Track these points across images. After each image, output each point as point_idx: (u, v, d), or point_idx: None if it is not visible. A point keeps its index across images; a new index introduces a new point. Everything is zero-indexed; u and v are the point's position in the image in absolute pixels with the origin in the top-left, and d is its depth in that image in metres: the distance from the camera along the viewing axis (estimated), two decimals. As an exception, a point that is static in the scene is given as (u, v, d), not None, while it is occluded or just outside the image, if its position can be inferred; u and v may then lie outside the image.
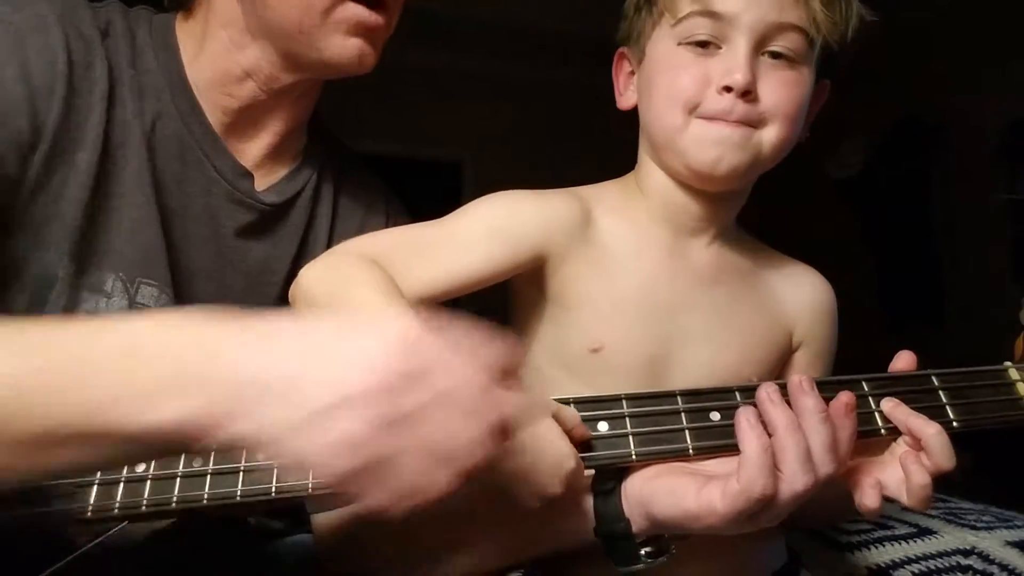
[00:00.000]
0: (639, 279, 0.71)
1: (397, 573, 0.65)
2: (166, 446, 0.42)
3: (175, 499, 0.54)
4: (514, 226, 0.69)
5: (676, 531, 0.58)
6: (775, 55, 0.67)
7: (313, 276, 0.65)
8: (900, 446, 0.61)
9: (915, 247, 3.15)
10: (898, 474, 0.58)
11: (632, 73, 0.76)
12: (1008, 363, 0.65)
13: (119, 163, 0.67)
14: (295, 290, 0.66)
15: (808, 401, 0.55)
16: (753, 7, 0.65)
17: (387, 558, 0.64)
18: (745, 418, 0.55)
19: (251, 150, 0.76)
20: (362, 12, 0.68)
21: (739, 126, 0.66)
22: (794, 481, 0.53)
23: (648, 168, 0.74)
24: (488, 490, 0.54)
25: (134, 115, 0.68)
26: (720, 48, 0.67)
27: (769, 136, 0.67)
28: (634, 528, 0.58)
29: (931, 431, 0.57)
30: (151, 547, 0.56)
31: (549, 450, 0.54)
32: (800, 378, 0.57)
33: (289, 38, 0.70)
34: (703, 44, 0.67)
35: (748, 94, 0.65)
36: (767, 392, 0.56)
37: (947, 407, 0.61)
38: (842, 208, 3.42)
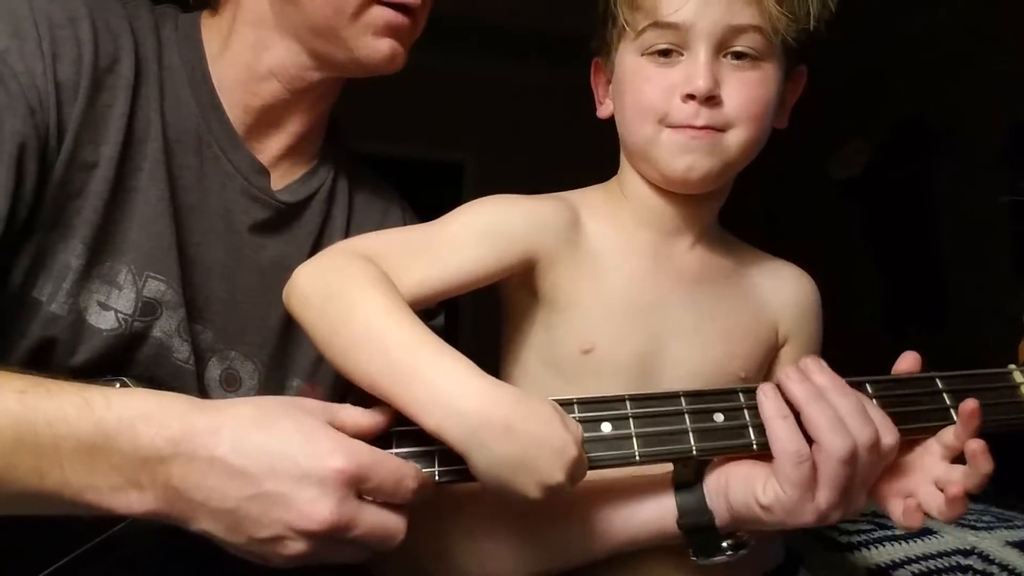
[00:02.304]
0: (626, 280, 0.72)
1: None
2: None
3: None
4: (504, 229, 0.70)
5: (751, 524, 0.60)
6: (737, 55, 0.68)
7: (307, 274, 0.65)
8: (930, 453, 0.62)
9: (918, 248, 3.15)
10: (934, 492, 0.60)
11: (608, 82, 0.77)
12: (1012, 366, 0.66)
13: (139, 157, 0.68)
14: (289, 290, 0.65)
15: (821, 378, 0.58)
16: (706, 13, 0.66)
17: (416, 559, 0.64)
18: (761, 392, 0.58)
19: (269, 149, 0.76)
20: (391, 14, 0.69)
21: (707, 132, 0.67)
22: (832, 447, 0.55)
23: (628, 174, 0.76)
24: (491, 482, 0.54)
25: (155, 110, 0.69)
26: (682, 55, 0.68)
27: (736, 139, 0.69)
28: (717, 521, 0.60)
29: (985, 471, 0.58)
30: (153, 546, 0.56)
31: (550, 437, 0.54)
32: (809, 360, 0.59)
33: (319, 38, 0.71)
34: (665, 53, 0.68)
35: (712, 99, 0.67)
36: (785, 373, 0.58)
37: (951, 410, 0.61)
38: (845, 209, 3.42)
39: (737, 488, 0.59)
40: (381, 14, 0.69)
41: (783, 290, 0.79)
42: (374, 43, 0.70)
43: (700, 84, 0.66)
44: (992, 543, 0.96)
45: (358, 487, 0.50)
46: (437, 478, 0.56)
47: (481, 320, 0.77)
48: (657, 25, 0.67)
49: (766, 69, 0.69)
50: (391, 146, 3.02)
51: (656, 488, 0.62)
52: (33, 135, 0.60)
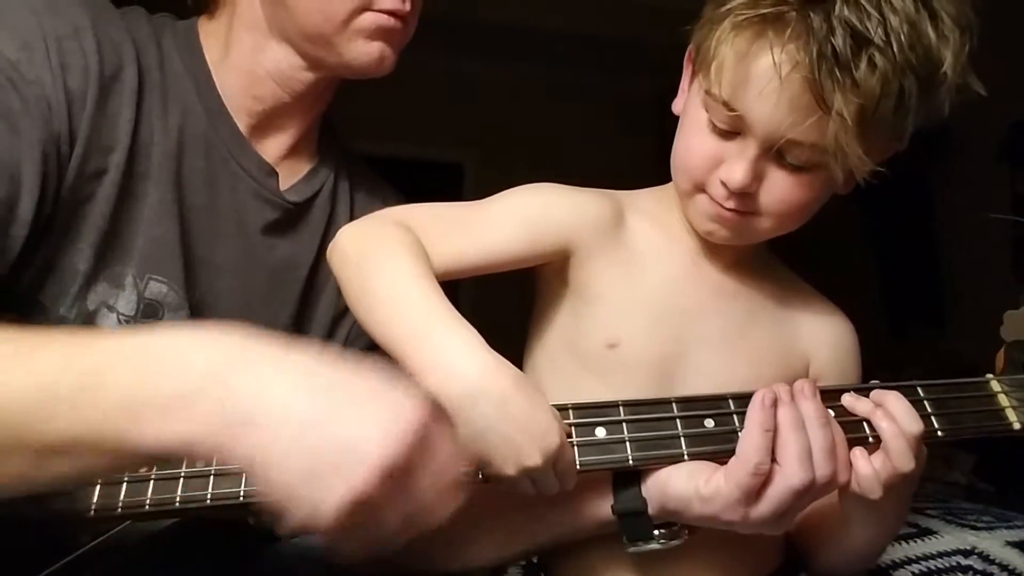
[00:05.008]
0: (661, 281, 0.73)
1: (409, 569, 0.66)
2: (172, 458, 0.45)
3: (178, 499, 0.55)
4: (544, 216, 0.71)
5: (686, 518, 0.61)
6: (786, 160, 0.65)
7: (350, 235, 0.69)
8: None
9: (917, 247, 3.15)
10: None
11: (694, 76, 0.72)
12: (990, 375, 0.67)
13: (145, 163, 0.69)
14: (332, 247, 0.69)
15: (809, 406, 0.59)
16: (773, 120, 0.62)
17: (401, 561, 0.65)
18: (760, 399, 0.59)
19: (272, 150, 0.77)
20: (382, 18, 0.71)
21: (734, 214, 0.67)
22: (791, 476, 0.57)
23: None
24: (472, 450, 0.56)
25: (159, 116, 0.70)
26: (737, 135, 0.65)
27: (763, 225, 0.68)
28: (650, 510, 0.61)
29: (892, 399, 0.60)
30: (153, 547, 0.56)
31: (537, 420, 0.56)
32: (803, 383, 0.60)
33: (311, 42, 0.72)
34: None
35: (746, 193, 0.65)
36: (782, 391, 0.60)
37: (932, 417, 0.62)
38: (844, 208, 3.42)
39: (680, 478, 0.60)
40: (372, 19, 0.70)
41: (820, 329, 0.77)
42: (364, 47, 0.71)
43: (736, 180, 0.64)
44: (992, 543, 0.96)
45: (423, 437, 0.44)
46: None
47: (479, 316, 0.77)
48: (725, 104, 0.63)
49: (814, 175, 0.65)
50: (391, 146, 3.03)
51: (595, 478, 0.63)
52: (50, 142, 0.61)
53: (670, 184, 0.78)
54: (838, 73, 0.58)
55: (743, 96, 0.62)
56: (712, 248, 0.74)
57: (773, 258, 0.79)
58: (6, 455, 0.42)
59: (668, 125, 0.76)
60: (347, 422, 0.42)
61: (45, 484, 0.44)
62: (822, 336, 0.77)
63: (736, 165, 0.64)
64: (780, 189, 0.65)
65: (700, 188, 0.68)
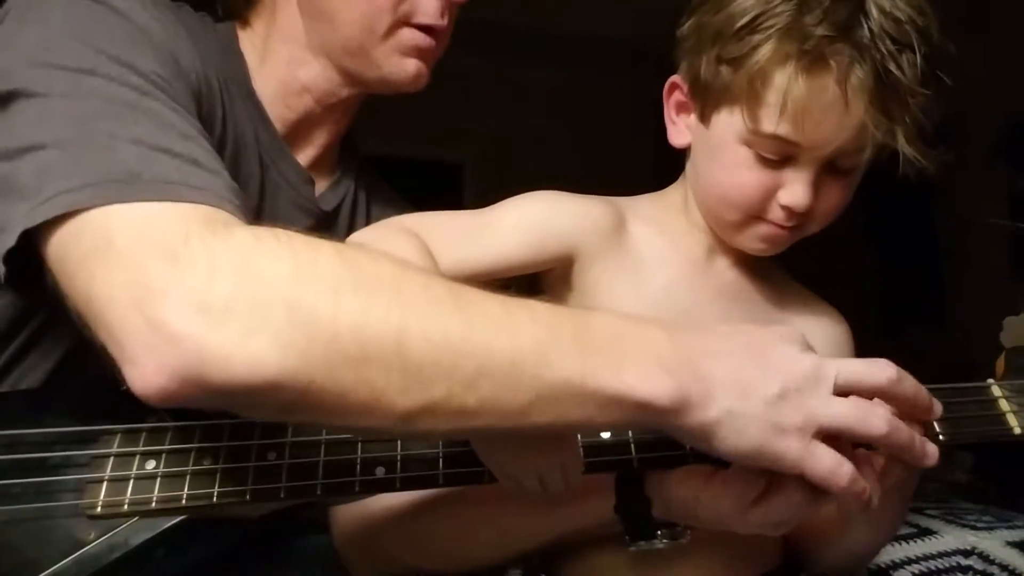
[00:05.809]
0: (663, 284, 0.74)
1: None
2: (634, 416, 0.50)
3: (185, 496, 0.54)
4: (548, 222, 0.72)
5: (687, 519, 0.61)
6: (837, 167, 0.68)
7: (360, 242, 0.68)
8: None
9: (916, 247, 3.15)
10: None
11: (687, 110, 0.74)
12: (991, 380, 0.67)
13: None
14: None
15: None
16: (830, 139, 0.65)
17: (404, 561, 0.68)
18: None
19: (301, 160, 0.79)
20: (419, 37, 0.73)
21: (790, 229, 0.70)
22: (794, 492, 0.55)
23: (693, 200, 0.77)
24: (491, 456, 0.57)
25: (219, 119, 0.70)
26: (790, 159, 0.67)
27: (809, 230, 0.72)
28: (653, 510, 0.62)
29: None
30: (160, 545, 0.56)
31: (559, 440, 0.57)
32: None
33: (349, 56, 0.73)
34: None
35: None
36: None
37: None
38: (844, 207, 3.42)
39: (682, 480, 0.60)
40: (410, 36, 0.72)
41: (816, 330, 0.77)
42: (401, 63, 0.73)
43: (803, 203, 0.67)
44: (992, 543, 0.96)
45: None
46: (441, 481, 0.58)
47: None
48: (780, 138, 0.65)
49: (856, 173, 0.70)
50: (391, 146, 3.02)
51: (599, 478, 0.63)
52: None
53: (670, 188, 0.80)
54: (894, 84, 0.62)
55: (805, 129, 0.64)
56: (713, 251, 0.76)
57: (772, 262, 0.80)
58: (509, 390, 0.47)
59: (667, 126, 0.77)
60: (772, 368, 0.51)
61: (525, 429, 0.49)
62: (819, 338, 0.76)
63: (799, 189, 0.67)
64: (833, 195, 0.69)
65: (756, 217, 0.70)
